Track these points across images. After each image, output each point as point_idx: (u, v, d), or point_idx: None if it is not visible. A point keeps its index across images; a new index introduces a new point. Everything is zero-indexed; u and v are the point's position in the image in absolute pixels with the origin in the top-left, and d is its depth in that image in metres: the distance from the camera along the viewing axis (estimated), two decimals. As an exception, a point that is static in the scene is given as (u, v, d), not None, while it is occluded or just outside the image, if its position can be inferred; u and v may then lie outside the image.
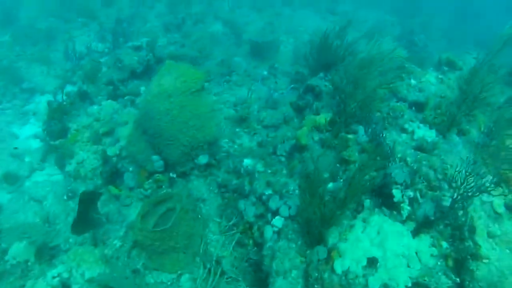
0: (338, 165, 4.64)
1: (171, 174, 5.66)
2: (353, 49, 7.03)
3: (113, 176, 5.87)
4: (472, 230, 4.01)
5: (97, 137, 6.65)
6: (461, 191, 3.67)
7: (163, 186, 5.70)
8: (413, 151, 4.86)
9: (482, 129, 5.37)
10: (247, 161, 5.27)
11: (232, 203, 5.20)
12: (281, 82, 8.51)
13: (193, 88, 5.23)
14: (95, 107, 7.38)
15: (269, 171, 5.26)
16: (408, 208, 4.00)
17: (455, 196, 3.74)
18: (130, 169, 5.95)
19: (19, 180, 7.13)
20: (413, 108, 6.07)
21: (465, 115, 5.07)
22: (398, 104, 5.64)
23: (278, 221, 4.40)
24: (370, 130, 4.69)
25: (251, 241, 4.88)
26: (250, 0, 13.87)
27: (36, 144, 7.94)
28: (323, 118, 5.16)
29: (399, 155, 4.59)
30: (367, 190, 4.22)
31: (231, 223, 5.09)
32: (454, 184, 3.83)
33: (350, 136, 4.56)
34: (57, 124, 6.86)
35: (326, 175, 4.52)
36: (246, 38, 10.98)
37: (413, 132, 5.25)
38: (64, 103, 7.18)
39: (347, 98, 4.92)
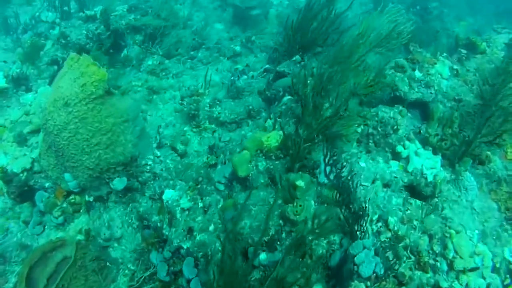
0: (281, 222, 2.85)
1: (87, 198, 4.09)
2: (341, 23, 4.84)
3: (25, 195, 4.33)
4: None
5: (21, 137, 5.06)
6: None
7: (81, 211, 4.17)
8: (402, 200, 2.98)
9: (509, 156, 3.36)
10: (168, 193, 3.57)
11: (152, 246, 3.61)
12: (257, 60, 6.46)
13: (94, 94, 3.44)
14: (30, 95, 5.72)
15: (200, 204, 3.57)
16: (373, 321, 2.26)
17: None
18: (46, 185, 4.40)
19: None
20: (415, 111, 4.07)
21: (487, 143, 3.05)
22: (391, 114, 3.62)
23: (184, 304, 2.80)
24: (333, 169, 2.81)
25: (168, 304, 3.34)
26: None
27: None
28: (274, 138, 3.28)
29: (376, 215, 2.73)
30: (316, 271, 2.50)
31: (147, 273, 3.53)
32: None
33: (299, 182, 2.70)
34: (-23, 119, 5.29)
35: (257, 236, 2.77)
36: (231, 1, 8.68)
37: (407, 160, 3.32)
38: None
39: (306, 115, 2.99)
